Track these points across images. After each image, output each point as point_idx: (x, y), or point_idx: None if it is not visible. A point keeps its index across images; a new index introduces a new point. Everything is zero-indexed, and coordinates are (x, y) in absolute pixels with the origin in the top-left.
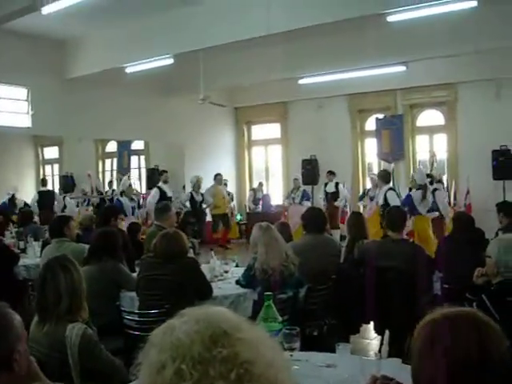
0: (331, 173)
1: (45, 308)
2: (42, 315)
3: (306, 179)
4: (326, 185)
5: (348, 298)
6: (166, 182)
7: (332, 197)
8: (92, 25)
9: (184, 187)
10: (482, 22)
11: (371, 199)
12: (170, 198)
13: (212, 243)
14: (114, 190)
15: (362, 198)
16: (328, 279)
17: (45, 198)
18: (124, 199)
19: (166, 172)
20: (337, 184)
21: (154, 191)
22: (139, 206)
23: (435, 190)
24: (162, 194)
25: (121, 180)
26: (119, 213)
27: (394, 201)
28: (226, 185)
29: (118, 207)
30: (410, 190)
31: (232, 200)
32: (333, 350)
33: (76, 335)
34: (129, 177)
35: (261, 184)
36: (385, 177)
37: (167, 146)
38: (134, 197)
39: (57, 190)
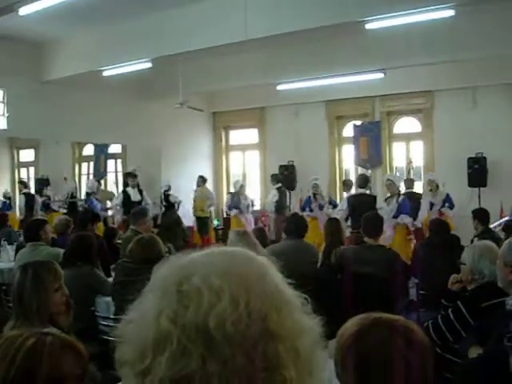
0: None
1: (23, 313)
2: (18, 320)
3: (283, 184)
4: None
5: (325, 303)
6: (132, 186)
7: None
8: (70, 27)
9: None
10: (459, 31)
11: (321, 208)
12: (139, 202)
13: (190, 248)
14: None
15: (304, 208)
16: (306, 284)
17: (28, 200)
18: (95, 201)
19: (135, 176)
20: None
21: (118, 194)
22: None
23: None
24: (126, 198)
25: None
26: (97, 218)
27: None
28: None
29: (95, 212)
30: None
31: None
32: None
33: None
34: (98, 180)
35: (242, 187)
36: (361, 181)
37: (144, 150)
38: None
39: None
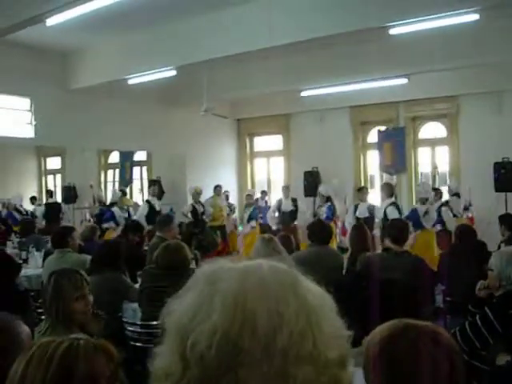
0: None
1: (51, 320)
2: (55, 326)
3: (308, 191)
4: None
5: (350, 311)
6: (154, 195)
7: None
8: (95, 36)
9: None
10: (484, 35)
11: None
12: (159, 212)
13: (215, 255)
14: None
15: (315, 215)
16: (330, 291)
17: (52, 210)
18: (116, 209)
19: (155, 185)
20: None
21: (142, 207)
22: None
23: (442, 205)
24: (151, 208)
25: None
26: (141, 230)
27: (393, 216)
28: (227, 197)
29: (140, 224)
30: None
31: (233, 212)
32: None
33: None
34: (121, 189)
35: (264, 193)
36: (387, 190)
37: (169, 157)
38: (125, 207)
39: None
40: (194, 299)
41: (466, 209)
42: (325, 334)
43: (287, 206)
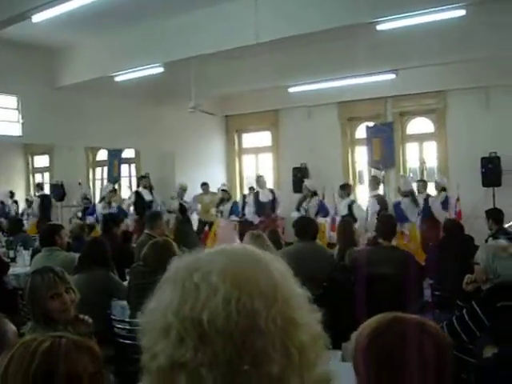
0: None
1: (46, 320)
2: (38, 325)
3: (297, 187)
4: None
5: (339, 305)
6: (145, 187)
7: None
8: (82, 33)
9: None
10: (470, 31)
11: (305, 211)
12: (150, 202)
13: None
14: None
15: (298, 209)
16: (319, 287)
17: (44, 203)
18: (98, 204)
19: (146, 177)
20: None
21: (129, 196)
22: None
23: (428, 196)
24: (139, 198)
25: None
26: (121, 220)
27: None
28: (227, 192)
29: (118, 215)
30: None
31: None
32: None
33: None
34: (112, 185)
35: (252, 189)
36: (373, 183)
37: (158, 155)
38: (114, 203)
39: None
40: (182, 289)
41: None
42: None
43: (265, 197)
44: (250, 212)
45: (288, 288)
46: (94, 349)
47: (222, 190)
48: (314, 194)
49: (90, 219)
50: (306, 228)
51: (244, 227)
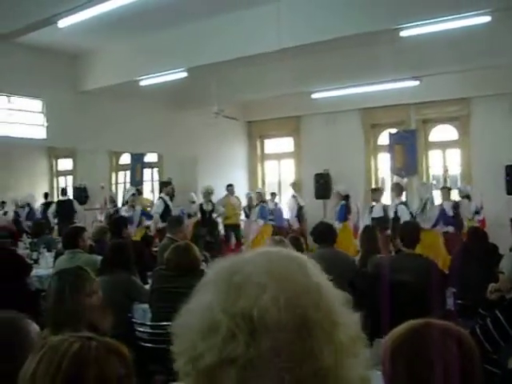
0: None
1: (60, 321)
2: (55, 326)
3: (318, 193)
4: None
5: (361, 313)
6: (168, 194)
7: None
8: (107, 38)
9: (193, 202)
10: (495, 37)
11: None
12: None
13: (227, 255)
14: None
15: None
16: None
17: (64, 208)
18: (123, 209)
19: (170, 184)
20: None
21: (159, 202)
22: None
23: (457, 203)
24: (166, 205)
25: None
26: (127, 221)
27: (404, 215)
28: (251, 199)
29: (124, 217)
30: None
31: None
32: None
33: None
34: (134, 188)
35: (273, 194)
36: (396, 190)
37: (180, 159)
38: (137, 207)
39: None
40: (228, 288)
41: (477, 212)
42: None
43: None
44: (292, 217)
45: (328, 288)
46: (124, 351)
47: (257, 193)
48: (346, 197)
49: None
50: (325, 233)
51: (281, 232)
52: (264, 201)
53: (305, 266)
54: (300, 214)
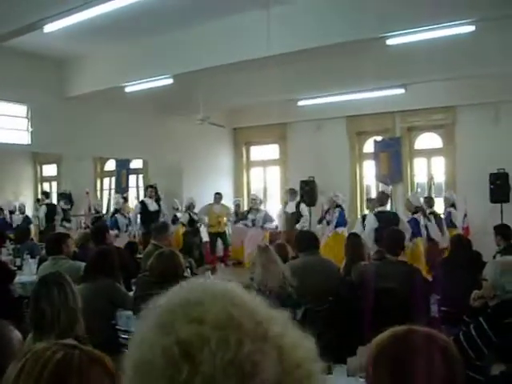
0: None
1: (41, 325)
2: (37, 332)
3: (304, 201)
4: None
5: (345, 320)
6: (151, 197)
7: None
8: (92, 44)
9: (177, 209)
10: (480, 47)
11: (328, 223)
12: (156, 212)
13: (210, 263)
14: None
15: (320, 221)
16: (325, 301)
17: (49, 211)
18: (118, 216)
19: (153, 187)
20: (298, 204)
21: (135, 206)
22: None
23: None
24: (144, 208)
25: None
26: (107, 229)
27: (370, 224)
28: (238, 206)
29: (105, 223)
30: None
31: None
32: (330, 372)
33: None
34: (123, 196)
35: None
36: (381, 199)
37: (166, 166)
38: (126, 214)
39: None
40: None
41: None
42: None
43: (291, 208)
44: (278, 219)
45: (267, 314)
46: (107, 362)
47: (252, 199)
48: (338, 206)
49: (114, 232)
50: (306, 241)
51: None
52: (254, 208)
53: (241, 300)
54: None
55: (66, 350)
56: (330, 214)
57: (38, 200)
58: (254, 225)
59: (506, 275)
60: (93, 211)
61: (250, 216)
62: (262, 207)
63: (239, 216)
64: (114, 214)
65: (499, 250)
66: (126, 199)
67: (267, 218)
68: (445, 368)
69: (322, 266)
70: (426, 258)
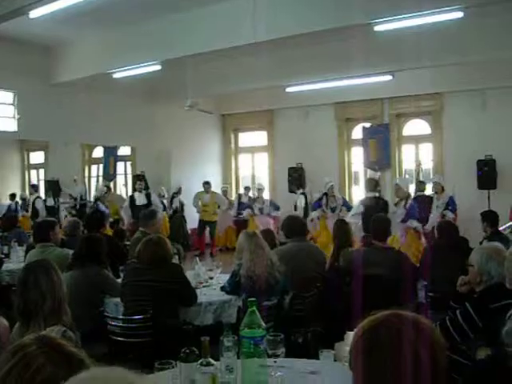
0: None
1: (27, 311)
2: (24, 319)
3: (292, 187)
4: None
5: (333, 306)
6: (139, 190)
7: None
8: (80, 30)
9: (163, 196)
10: (468, 33)
11: (332, 210)
12: (145, 206)
13: (197, 248)
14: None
15: (315, 208)
16: (313, 286)
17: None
18: (101, 205)
19: (141, 179)
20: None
21: (125, 204)
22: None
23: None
24: (133, 201)
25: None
26: (104, 222)
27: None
28: (225, 192)
29: (101, 216)
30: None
31: (231, 208)
32: (317, 357)
33: None
34: (106, 185)
35: (247, 188)
36: (370, 185)
37: (154, 153)
38: (107, 203)
39: (42, 195)
40: None
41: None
42: None
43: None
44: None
45: None
46: (74, 357)
47: (259, 189)
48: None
49: None
50: (293, 227)
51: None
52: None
53: None
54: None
55: (30, 348)
56: (331, 201)
57: (12, 195)
58: (261, 213)
59: (491, 261)
60: (78, 199)
61: (257, 205)
62: (247, 195)
63: (242, 205)
64: (95, 201)
65: (486, 236)
66: (108, 188)
67: (273, 206)
68: (428, 354)
69: (308, 251)
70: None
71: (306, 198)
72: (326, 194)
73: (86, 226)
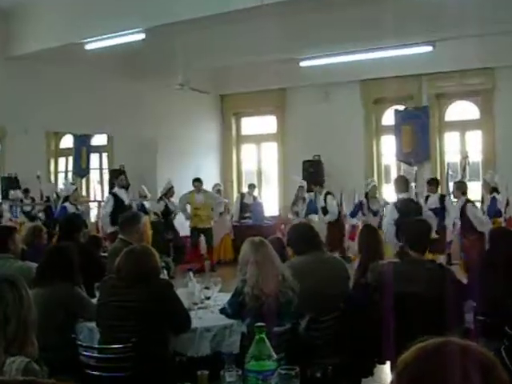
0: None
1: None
2: None
3: (308, 185)
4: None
5: (359, 332)
6: (123, 186)
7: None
8: None
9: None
10: None
11: (374, 214)
12: (130, 206)
13: (191, 262)
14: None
15: (355, 213)
16: (335, 308)
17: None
18: (68, 206)
19: (123, 174)
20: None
21: (106, 199)
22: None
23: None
24: (118, 202)
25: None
26: (82, 225)
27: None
28: (219, 191)
29: (79, 218)
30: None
31: (228, 212)
32: None
33: (16, 370)
34: (72, 181)
35: (252, 186)
36: (400, 184)
37: (136, 142)
38: (79, 205)
39: None
40: None
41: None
42: None
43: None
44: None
45: None
46: None
47: (300, 187)
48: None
49: None
50: (309, 237)
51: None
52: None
53: None
54: None
55: None
56: (373, 203)
57: None
58: (298, 216)
59: None
60: (44, 198)
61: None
62: (251, 194)
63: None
64: (63, 201)
65: None
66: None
67: (311, 208)
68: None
69: (328, 265)
70: (464, 257)
71: (333, 197)
72: (366, 194)
73: (60, 232)
